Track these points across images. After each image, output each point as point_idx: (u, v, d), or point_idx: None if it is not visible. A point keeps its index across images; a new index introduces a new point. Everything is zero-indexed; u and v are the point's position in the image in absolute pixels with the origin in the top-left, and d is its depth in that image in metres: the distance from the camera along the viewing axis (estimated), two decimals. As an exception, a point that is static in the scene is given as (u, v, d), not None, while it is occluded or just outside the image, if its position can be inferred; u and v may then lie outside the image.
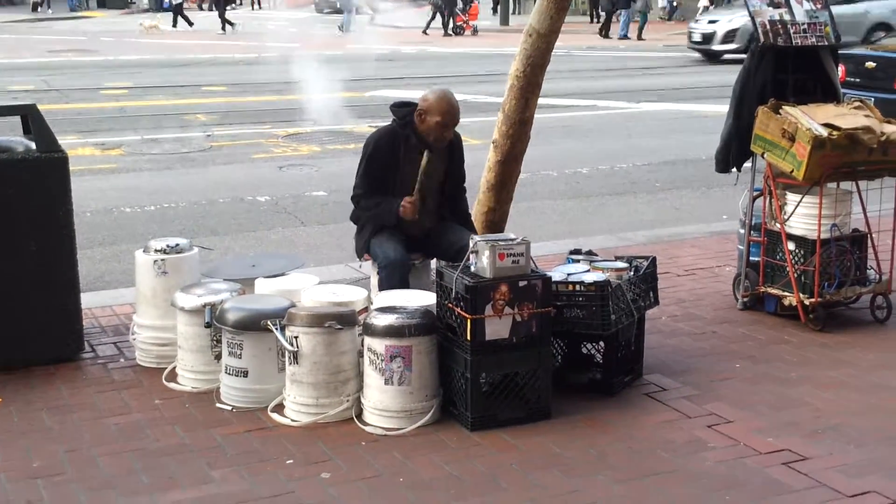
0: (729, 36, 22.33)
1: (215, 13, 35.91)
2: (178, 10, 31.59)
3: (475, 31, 30.49)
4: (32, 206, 4.78)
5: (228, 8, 35.95)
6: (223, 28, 30.13)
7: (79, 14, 37.83)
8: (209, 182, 9.92)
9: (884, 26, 21.32)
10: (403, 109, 5.13)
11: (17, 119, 5.20)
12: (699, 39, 23.10)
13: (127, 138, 12.18)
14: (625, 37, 29.19)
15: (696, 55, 23.48)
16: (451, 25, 30.52)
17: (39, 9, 37.94)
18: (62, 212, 4.85)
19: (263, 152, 11.54)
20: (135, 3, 40.56)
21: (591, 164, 10.85)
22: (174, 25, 31.18)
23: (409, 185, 5.10)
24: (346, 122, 13.18)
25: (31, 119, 4.92)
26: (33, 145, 4.87)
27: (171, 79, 18.50)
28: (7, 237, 4.75)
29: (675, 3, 36.89)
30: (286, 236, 8.03)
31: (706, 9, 28.64)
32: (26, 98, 15.23)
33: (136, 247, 5.56)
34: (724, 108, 6.11)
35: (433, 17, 30.93)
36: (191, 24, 31.23)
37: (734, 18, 22.35)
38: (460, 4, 31.32)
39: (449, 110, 5.02)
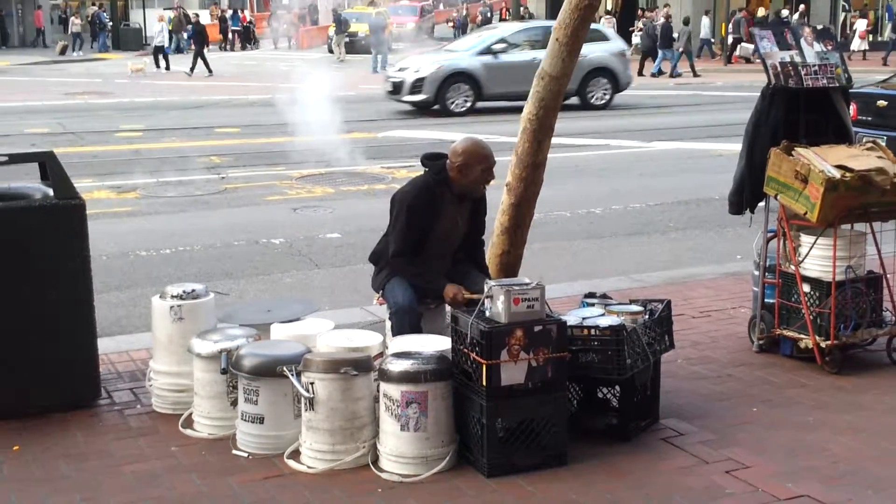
0: (417, 86, 19.51)
1: (231, 54, 36.14)
2: (157, 52, 31.50)
3: None
4: (50, 252, 4.81)
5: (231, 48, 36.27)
6: (201, 69, 29.55)
7: (94, 56, 38.18)
8: (224, 224, 9.97)
9: (601, 71, 20.48)
10: (437, 162, 5.11)
11: (34, 165, 5.25)
12: (391, 89, 20.30)
13: (142, 181, 12.27)
14: (677, 74, 29.29)
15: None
16: None
17: (68, 51, 38.27)
18: (79, 258, 4.88)
19: (277, 194, 11.60)
20: (149, 44, 40.90)
21: (604, 204, 10.87)
22: (157, 67, 31.17)
23: (446, 239, 5.14)
24: (359, 164, 13.26)
25: (48, 166, 4.98)
26: (51, 192, 4.92)
27: (184, 121, 18.66)
28: (25, 284, 4.78)
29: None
30: (301, 279, 8.05)
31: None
32: (42, 141, 15.42)
33: (153, 291, 5.60)
34: (736, 147, 6.13)
35: None
36: (167, 67, 31.09)
37: (423, 66, 19.87)
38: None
39: (488, 155, 5.04)
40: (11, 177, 5.61)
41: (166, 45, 31.76)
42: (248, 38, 44.57)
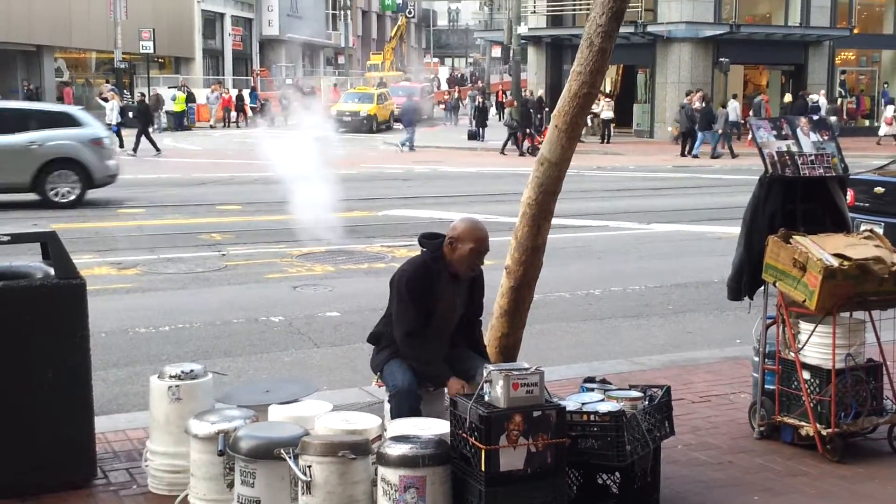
0: None
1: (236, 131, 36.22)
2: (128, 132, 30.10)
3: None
4: (50, 331, 4.82)
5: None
6: (144, 148, 28.27)
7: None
8: (224, 302, 9.99)
9: (66, 162, 16.97)
10: (435, 242, 5.17)
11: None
12: None
13: (143, 258, 12.31)
14: (716, 156, 29.72)
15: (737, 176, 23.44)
16: (526, 146, 30.96)
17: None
18: (79, 337, 4.88)
19: (278, 272, 11.64)
20: (155, 124, 41.40)
21: (604, 285, 10.90)
22: (121, 146, 28.80)
23: (445, 319, 5.16)
24: (359, 242, 13.32)
25: (50, 245, 5.00)
26: (52, 271, 4.95)
27: (187, 198, 18.78)
28: (24, 363, 4.78)
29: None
30: (299, 358, 8.04)
31: None
32: (44, 216, 15.49)
33: (151, 369, 5.60)
34: (735, 230, 6.18)
35: (509, 138, 31.46)
36: (121, 145, 28.33)
37: None
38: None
39: (481, 237, 5.09)
40: (13, 253, 5.65)
41: (114, 123, 29.50)
42: (264, 114, 45.37)
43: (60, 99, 41.35)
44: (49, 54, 44.32)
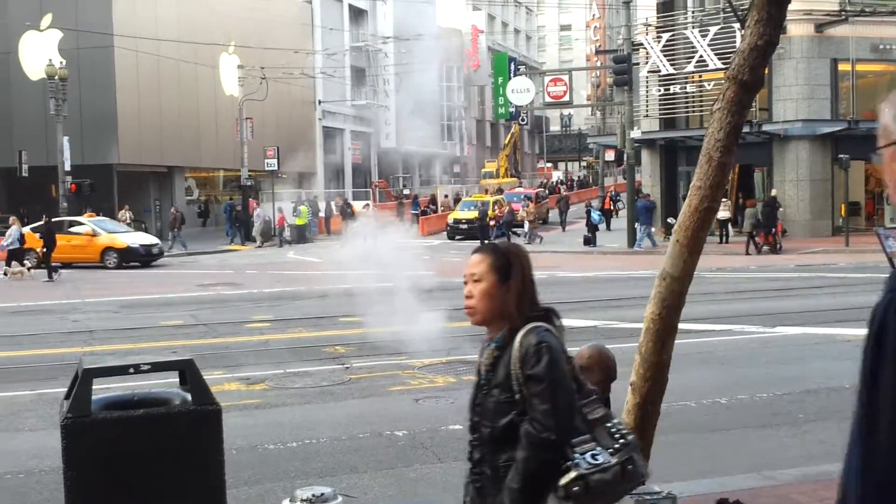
0: None
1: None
2: (11, 257, 28.33)
3: (780, 248, 31.31)
4: (187, 456, 4.99)
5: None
6: (49, 276, 27.36)
7: (225, 248, 39.99)
8: (348, 416, 10.13)
9: None
10: None
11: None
12: None
13: (270, 372, 12.60)
14: None
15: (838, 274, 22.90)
16: (762, 246, 31.22)
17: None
18: (214, 462, 5.04)
19: (400, 384, 11.75)
20: (275, 236, 42.76)
21: (730, 393, 10.66)
22: (4, 274, 28.07)
23: None
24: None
25: (187, 372, 5.22)
26: (189, 397, 5.14)
27: (310, 311, 19.21)
28: (162, 487, 4.95)
29: None
30: (423, 474, 8.06)
31: None
32: (175, 333, 16.09)
33: (280, 486, 5.73)
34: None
35: (750, 238, 31.45)
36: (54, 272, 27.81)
37: None
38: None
39: (612, 366, 5.10)
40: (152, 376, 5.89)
41: (5, 245, 28.58)
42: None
43: (233, 209, 43.24)
44: (180, 174, 46.56)
